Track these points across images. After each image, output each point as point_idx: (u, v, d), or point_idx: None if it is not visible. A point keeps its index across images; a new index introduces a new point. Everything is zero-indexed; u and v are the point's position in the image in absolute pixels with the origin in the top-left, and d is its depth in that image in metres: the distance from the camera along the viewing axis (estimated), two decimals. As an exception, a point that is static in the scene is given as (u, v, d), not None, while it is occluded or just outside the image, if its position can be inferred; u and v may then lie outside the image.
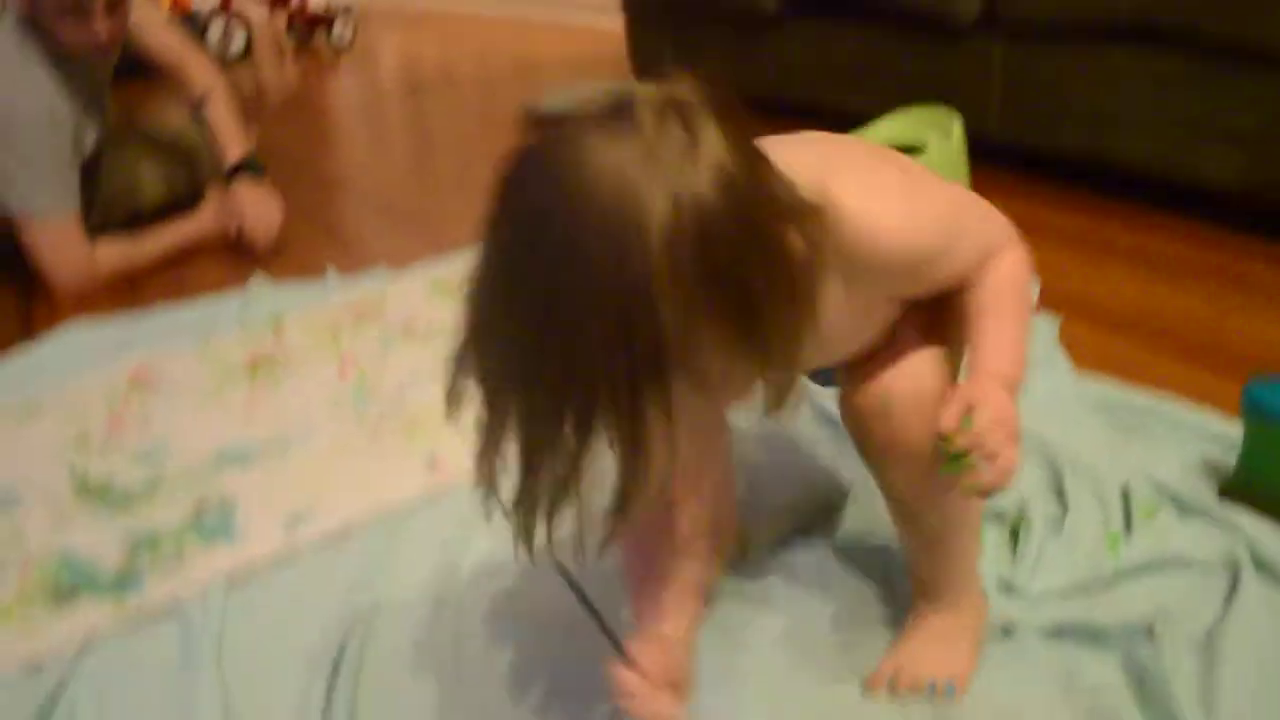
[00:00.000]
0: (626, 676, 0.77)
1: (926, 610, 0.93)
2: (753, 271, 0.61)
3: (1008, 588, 0.99)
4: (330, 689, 0.94)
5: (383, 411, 1.45)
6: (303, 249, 2.19)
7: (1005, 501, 1.08)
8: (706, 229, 0.58)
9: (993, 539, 1.04)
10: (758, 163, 0.64)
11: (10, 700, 0.97)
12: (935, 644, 0.92)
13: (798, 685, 0.93)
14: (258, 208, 2.17)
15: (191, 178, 2.34)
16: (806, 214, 0.66)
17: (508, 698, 0.94)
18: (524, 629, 1.02)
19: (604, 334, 0.58)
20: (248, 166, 2.20)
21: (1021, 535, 1.05)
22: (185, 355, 1.68)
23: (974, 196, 0.83)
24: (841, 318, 0.77)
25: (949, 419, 0.72)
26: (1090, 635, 0.93)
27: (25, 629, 1.06)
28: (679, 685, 0.83)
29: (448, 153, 2.96)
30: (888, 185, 0.78)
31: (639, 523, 0.76)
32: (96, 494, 1.30)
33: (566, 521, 0.64)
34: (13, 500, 1.30)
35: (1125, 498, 1.09)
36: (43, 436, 1.46)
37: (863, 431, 0.84)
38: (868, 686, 0.91)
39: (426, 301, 1.83)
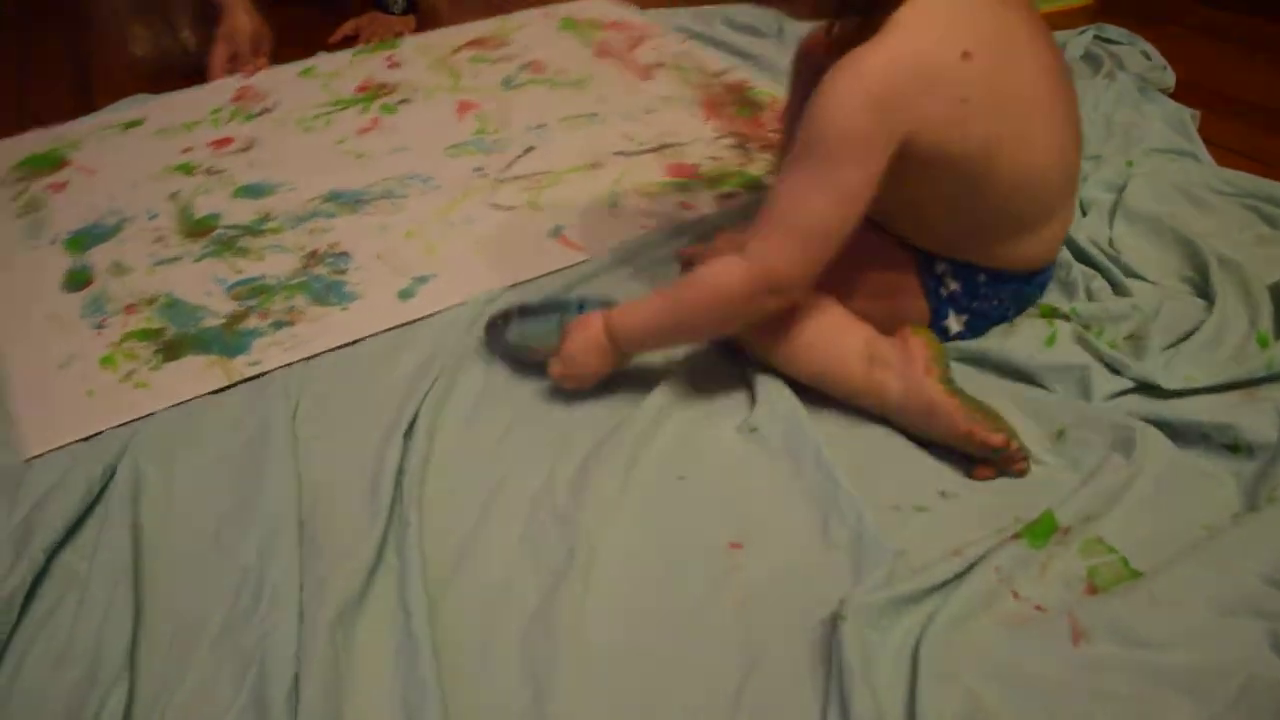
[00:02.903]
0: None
1: None
2: None
3: (1146, 384, 0.89)
4: (403, 456, 0.87)
5: (506, 166, 1.32)
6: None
7: (1140, 302, 0.98)
8: None
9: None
10: None
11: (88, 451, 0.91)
12: None
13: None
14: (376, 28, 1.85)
15: None
16: None
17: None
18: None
19: None
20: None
21: (1157, 330, 0.94)
22: (293, 75, 1.55)
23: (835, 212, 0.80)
24: None
25: None
26: (1235, 438, 0.83)
27: (127, 383, 0.99)
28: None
29: None
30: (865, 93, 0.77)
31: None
32: (201, 230, 1.21)
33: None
34: (115, 224, 1.22)
35: (1275, 296, 0.97)
36: (145, 152, 1.37)
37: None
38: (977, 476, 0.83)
39: (555, 38, 1.65)
